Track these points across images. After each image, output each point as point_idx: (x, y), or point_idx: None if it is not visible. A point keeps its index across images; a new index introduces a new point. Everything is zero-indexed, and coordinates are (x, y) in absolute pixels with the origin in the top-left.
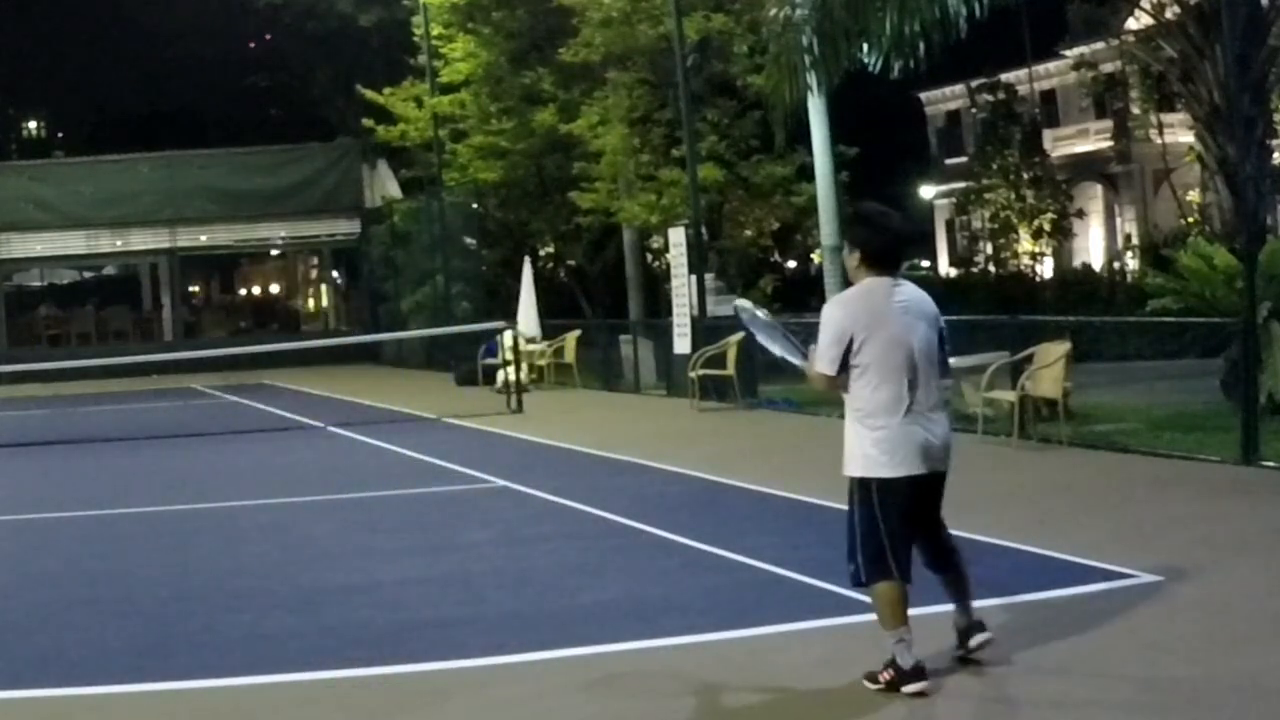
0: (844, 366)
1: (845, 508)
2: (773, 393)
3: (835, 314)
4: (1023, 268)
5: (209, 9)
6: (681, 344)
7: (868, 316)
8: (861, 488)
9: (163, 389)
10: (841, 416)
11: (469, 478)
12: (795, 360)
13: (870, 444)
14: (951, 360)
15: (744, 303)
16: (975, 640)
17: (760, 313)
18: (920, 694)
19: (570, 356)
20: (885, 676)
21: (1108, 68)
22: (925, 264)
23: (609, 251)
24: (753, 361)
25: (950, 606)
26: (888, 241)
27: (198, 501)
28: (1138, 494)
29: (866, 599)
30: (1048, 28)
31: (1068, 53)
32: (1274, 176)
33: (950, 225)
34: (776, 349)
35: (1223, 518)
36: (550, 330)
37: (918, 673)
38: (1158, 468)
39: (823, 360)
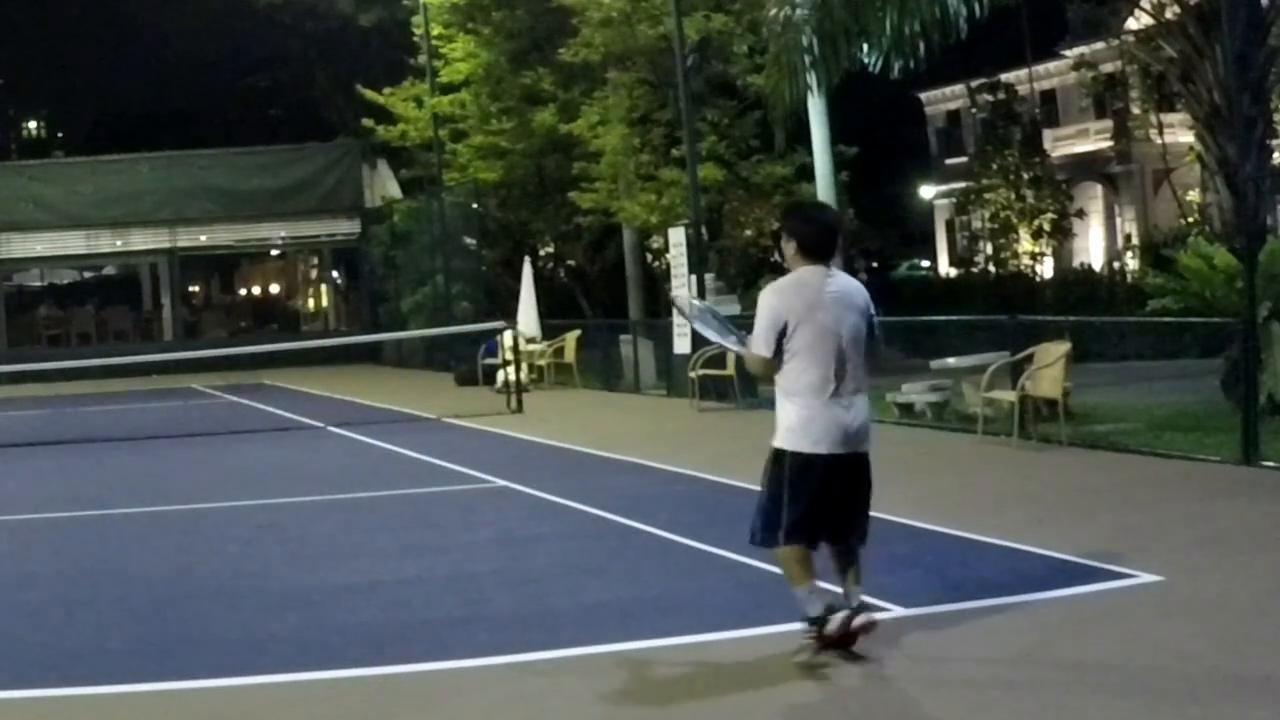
0: (778, 350)
1: None
2: (773, 393)
3: (771, 300)
4: (1023, 268)
5: (209, 9)
6: (681, 344)
7: (801, 304)
8: (776, 457)
9: (163, 389)
10: None
11: (469, 478)
12: (732, 346)
13: (794, 419)
14: (951, 360)
15: (681, 293)
16: (859, 620)
17: (698, 302)
18: (843, 629)
19: (570, 356)
20: (811, 635)
21: (1108, 68)
22: (925, 264)
23: (609, 251)
24: None
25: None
26: (820, 232)
27: (197, 501)
28: (1138, 494)
29: (866, 599)
30: (1048, 28)
31: (1068, 53)
32: (1274, 176)
33: (950, 225)
34: (714, 335)
35: (1223, 518)
36: (550, 330)
37: (830, 613)
38: (1158, 468)
39: (759, 343)
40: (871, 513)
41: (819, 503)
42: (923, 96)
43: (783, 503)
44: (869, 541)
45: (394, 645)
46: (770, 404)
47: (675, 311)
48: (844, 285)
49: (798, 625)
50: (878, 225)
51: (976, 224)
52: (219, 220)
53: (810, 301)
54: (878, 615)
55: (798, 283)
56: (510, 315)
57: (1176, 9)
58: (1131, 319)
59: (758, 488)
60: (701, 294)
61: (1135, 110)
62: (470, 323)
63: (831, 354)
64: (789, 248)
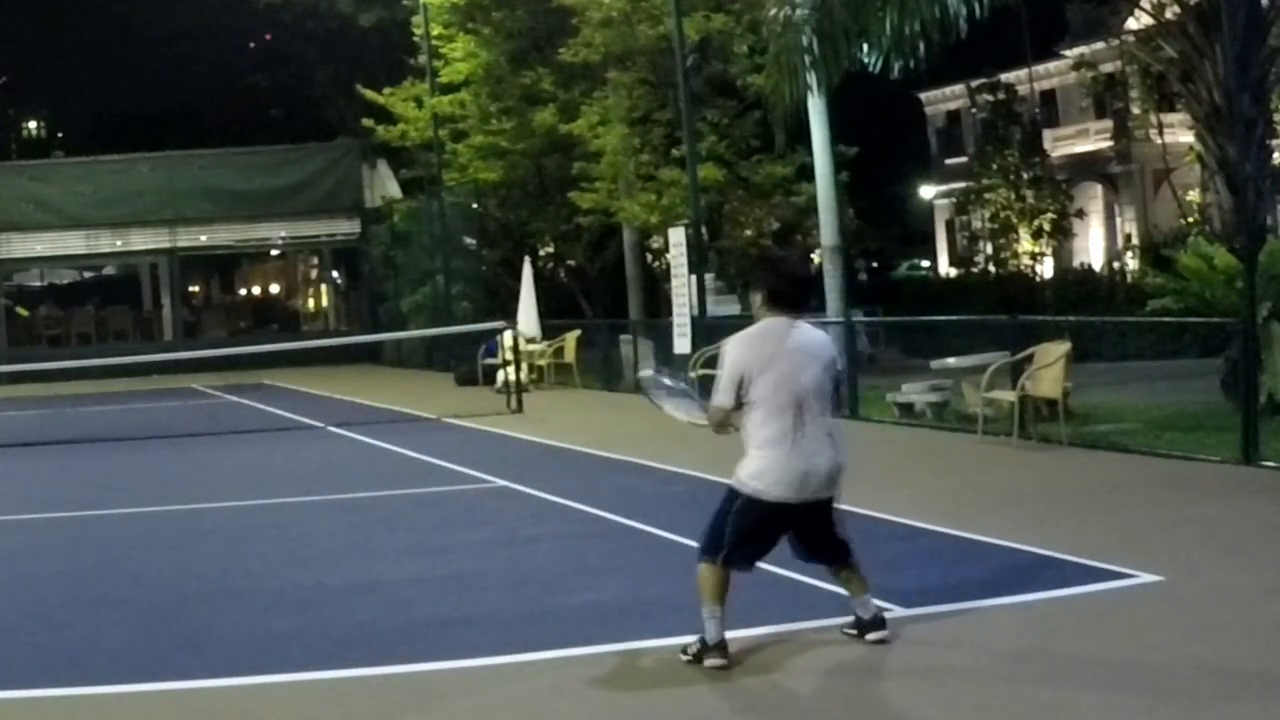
0: (739, 403)
1: (845, 507)
2: None
3: (733, 354)
4: (1023, 268)
5: (209, 9)
6: (681, 344)
7: (761, 356)
8: (733, 491)
9: (163, 389)
10: (841, 416)
11: (469, 478)
12: (699, 420)
13: (753, 466)
14: (951, 360)
15: (646, 374)
16: (871, 636)
17: (666, 380)
18: (719, 668)
19: (570, 356)
20: (694, 648)
21: (1108, 68)
22: (925, 264)
23: (609, 251)
24: None
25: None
26: (787, 284)
27: (198, 501)
28: (1138, 494)
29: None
30: (1048, 28)
31: (1068, 53)
32: (1274, 176)
33: (950, 225)
34: (681, 415)
35: (1223, 518)
36: (550, 330)
37: (719, 649)
38: (1158, 468)
39: (721, 395)
40: (871, 512)
41: (762, 541)
42: (923, 96)
43: (727, 534)
44: (854, 547)
45: (394, 645)
46: None
47: (649, 395)
48: (808, 337)
49: (797, 625)
50: (878, 225)
51: (976, 224)
52: (219, 220)
53: (772, 352)
54: (885, 634)
55: (761, 333)
56: (510, 315)
57: (1176, 9)
58: (1131, 319)
59: None
60: (701, 294)
61: (1135, 110)
62: (470, 323)
63: (790, 404)
64: (757, 298)
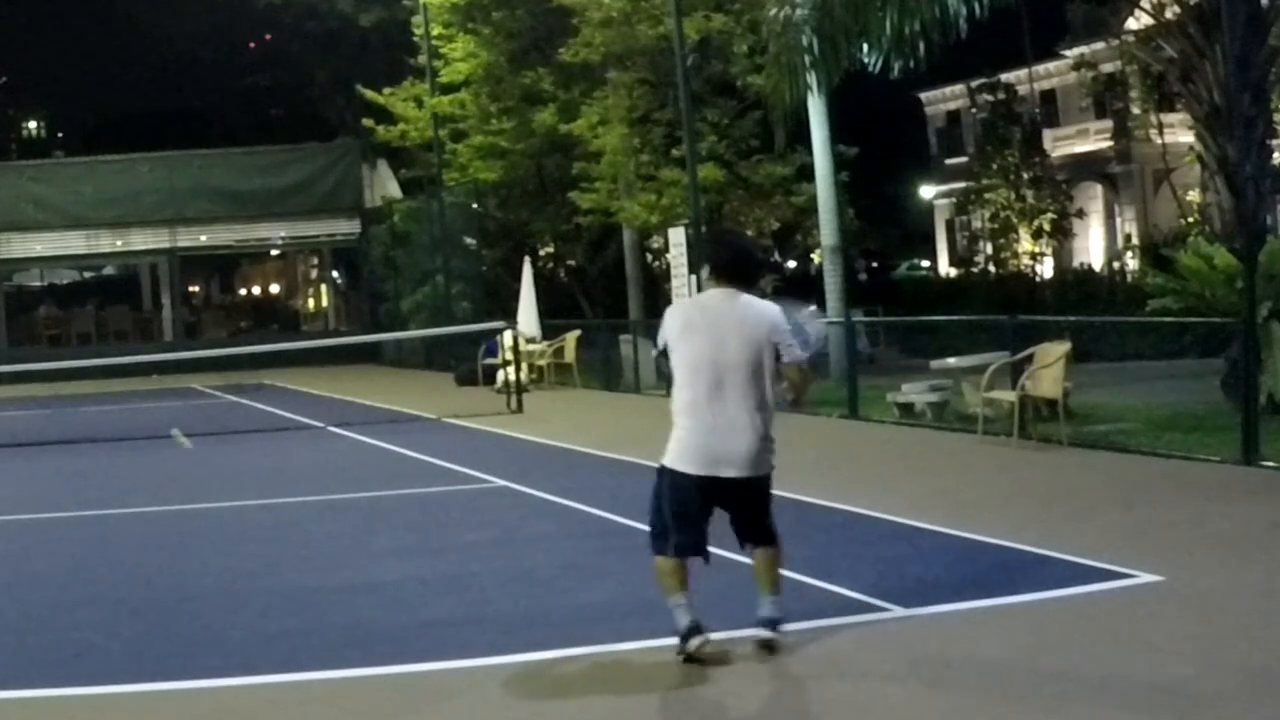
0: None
1: (845, 507)
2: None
3: (667, 316)
4: (1023, 268)
5: (209, 9)
6: None
7: (684, 324)
8: (659, 470)
9: (163, 389)
10: (842, 416)
11: (469, 478)
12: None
13: (673, 436)
14: (951, 360)
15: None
16: (760, 635)
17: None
18: (700, 648)
19: (570, 356)
20: (680, 648)
21: (1108, 68)
22: (925, 264)
23: (609, 251)
24: None
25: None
26: (729, 256)
27: (198, 501)
28: (1137, 494)
29: (866, 599)
30: (1048, 28)
31: (1068, 53)
32: (1274, 176)
33: (950, 225)
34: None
35: (1223, 518)
36: (550, 330)
37: (693, 631)
38: (1158, 468)
39: (658, 342)
40: (871, 513)
41: (692, 517)
42: (923, 96)
43: (666, 515)
44: (781, 548)
45: (394, 645)
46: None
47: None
48: (746, 310)
49: (796, 625)
50: (878, 225)
51: (976, 224)
52: (219, 220)
53: (694, 322)
54: (782, 637)
55: (696, 302)
56: (510, 315)
57: (1176, 9)
58: (1131, 319)
59: None
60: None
61: (1135, 110)
62: (470, 323)
63: (705, 377)
64: (705, 270)
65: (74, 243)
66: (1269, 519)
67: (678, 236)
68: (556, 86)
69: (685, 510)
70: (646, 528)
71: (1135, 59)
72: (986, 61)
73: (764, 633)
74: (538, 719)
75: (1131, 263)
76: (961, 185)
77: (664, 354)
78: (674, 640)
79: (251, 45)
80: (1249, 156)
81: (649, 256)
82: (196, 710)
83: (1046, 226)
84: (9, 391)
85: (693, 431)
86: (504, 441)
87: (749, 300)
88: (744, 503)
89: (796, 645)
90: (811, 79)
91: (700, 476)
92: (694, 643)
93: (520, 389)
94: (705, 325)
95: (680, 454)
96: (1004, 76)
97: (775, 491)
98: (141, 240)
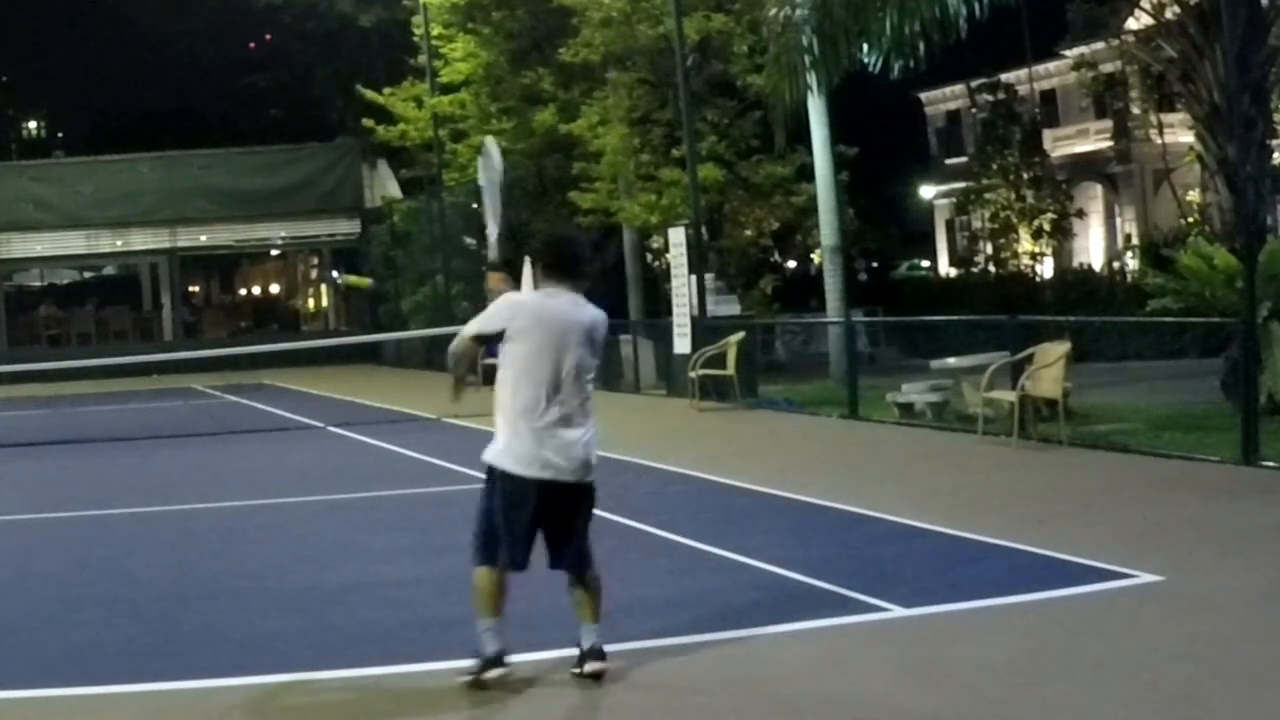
0: (490, 349)
1: (844, 507)
2: (773, 393)
3: (510, 301)
4: (1023, 268)
5: (209, 9)
6: (681, 344)
7: (531, 322)
8: (489, 475)
9: (163, 389)
10: (842, 416)
11: (469, 478)
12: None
13: (505, 439)
14: (951, 360)
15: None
16: (588, 667)
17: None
18: (498, 678)
19: None
20: (473, 669)
21: (1108, 68)
22: (925, 264)
23: (609, 251)
24: (753, 362)
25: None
26: (558, 252)
27: (198, 501)
28: (1137, 494)
29: (866, 599)
30: (1048, 28)
31: (1068, 53)
32: (1274, 176)
33: (950, 225)
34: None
35: (1223, 518)
36: None
37: (497, 660)
38: (1158, 468)
39: (476, 325)
40: (871, 513)
41: (522, 525)
42: (923, 96)
43: (496, 522)
44: (599, 574)
45: (393, 645)
46: (770, 404)
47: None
48: (583, 310)
49: (796, 625)
50: (878, 225)
51: (976, 224)
52: (219, 220)
53: (541, 321)
54: (609, 664)
55: (538, 301)
56: None
57: (1176, 9)
58: (1131, 319)
59: (759, 488)
60: (701, 294)
61: (1135, 110)
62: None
63: (548, 378)
64: (536, 269)
65: (74, 243)
66: (1269, 519)
67: (678, 236)
68: (556, 86)
69: (519, 517)
70: (477, 538)
71: (1135, 59)
72: (986, 61)
73: (598, 665)
74: (538, 719)
75: (1131, 263)
76: (961, 185)
77: (482, 338)
78: (679, 640)
79: (251, 45)
80: (1249, 156)
81: (649, 256)
82: (197, 710)
83: (1046, 226)
84: (9, 391)
85: (533, 435)
86: None
87: (585, 304)
88: (573, 513)
89: (796, 645)
90: (811, 79)
91: (540, 480)
92: (494, 673)
93: None
94: (551, 325)
95: (518, 457)
96: (1004, 76)
97: (775, 491)
98: (141, 240)
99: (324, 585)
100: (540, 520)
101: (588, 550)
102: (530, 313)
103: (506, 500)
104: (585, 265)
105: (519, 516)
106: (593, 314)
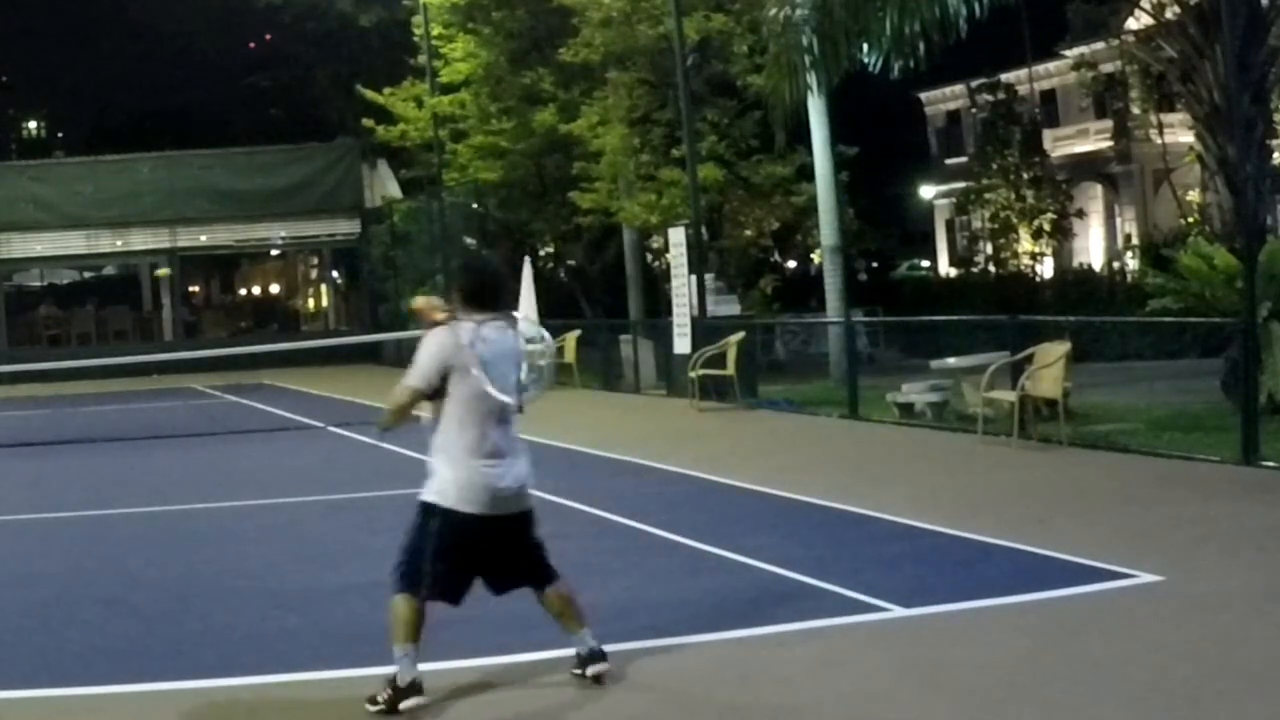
0: (436, 395)
1: (844, 507)
2: (773, 393)
3: (441, 343)
4: (1023, 268)
5: (209, 9)
6: (681, 344)
7: (472, 359)
8: (425, 510)
9: (163, 389)
10: (842, 416)
11: None
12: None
13: (449, 476)
14: (951, 360)
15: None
16: (590, 670)
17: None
18: (415, 707)
19: (570, 356)
20: (384, 695)
21: (1108, 68)
22: (925, 264)
23: (609, 251)
24: (753, 362)
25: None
26: (480, 281)
27: (198, 501)
28: (1138, 494)
29: (866, 599)
30: (1048, 28)
31: (1068, 53)
32: (1274, 176)
33: (950, 225)
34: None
35: (1223, 518)
36: (550, 330)
37: (413, 688)
38: (1158, 468)
39: (417, 376)
40: (871, 513)
41: (466, 563)
42: (923, 96)
43: (426, 557)
44: (567, 583)
45: None
46: (770, 404)
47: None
48: (515, 340)
49: (795, 625)
50: (878, 225)
51: (976, 224)
52: (219, 220)
53: (482, 357)
54: (609, 665)
55: (474, 336)
56: None
57: (1176, 9)
58: (1131, 319)
59: (759, 488)
60: (701, 294)
61: (1135, 110)
62: None
63: (491, 412)
64: (456, 298)
65: (74, 243)
66: (1269, 519)
67: (678, 236)
68: (556, 86)
69: (463, 556)
70: (400, 568)
71: (1135, 59)
72: (986, 61)
73: (600, 667)
74: (538, 718)
75: (1131, 263)
76: (961, 185)
77: (426, 394)
78: (679, 640)
79: (251, 45)
80: (1249, 156)
81: (649, 256)
82: (196, 710)
83: (1046, 226)
84: (9, 391)
85: (479, 471)
86: None
87: (508, 330)
88: (523, 537)
89: (796, 645)
90: (811, 79)
91: (487, 517)
92: (411, 702)
93: (520, 389)
94: (491, 359)
95: (468, 497)
96: (1004, 76)
97: (775, 491)
98: (141, 240)
99: (324, 585)
100: (485, 556)
101: (548, 564)
102: (467, 350)
103: (452, 538)
104: (505, 291)
105: (463, 555)
106: (520, 342)
